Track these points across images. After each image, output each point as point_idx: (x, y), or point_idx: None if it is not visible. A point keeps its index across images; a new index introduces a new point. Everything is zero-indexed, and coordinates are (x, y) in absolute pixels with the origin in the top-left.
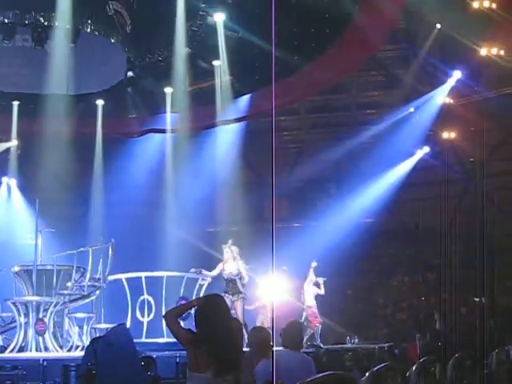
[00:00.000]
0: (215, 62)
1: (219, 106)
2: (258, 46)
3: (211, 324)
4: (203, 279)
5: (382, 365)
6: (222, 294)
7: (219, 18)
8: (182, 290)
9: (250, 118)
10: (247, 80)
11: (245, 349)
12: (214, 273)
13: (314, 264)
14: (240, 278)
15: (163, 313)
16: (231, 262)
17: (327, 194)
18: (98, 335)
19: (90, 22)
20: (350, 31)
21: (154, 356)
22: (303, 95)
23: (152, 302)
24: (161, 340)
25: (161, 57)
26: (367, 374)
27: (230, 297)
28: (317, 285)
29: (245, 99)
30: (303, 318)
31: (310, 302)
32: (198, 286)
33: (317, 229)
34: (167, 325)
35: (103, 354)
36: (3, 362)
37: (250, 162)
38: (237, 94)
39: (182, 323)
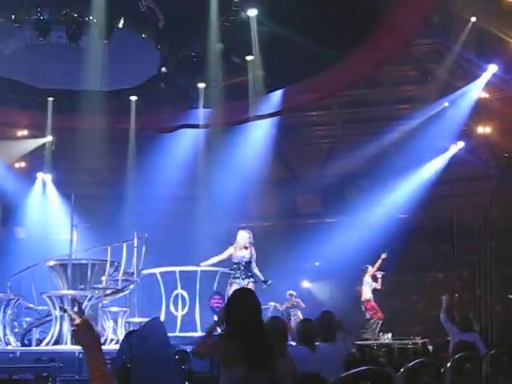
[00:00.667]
0: (248, 57)
1: (252, 101)
2: (291, 41)
3: (240, 319)
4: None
5: (417, 361)
6: (233, 281)
7: (252, 12)
8: (215, 285)
9: (282, 113)
10: (280, 75)
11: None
12: (222, 257)
13: (383, 255)
14: (250, 263)
15: (197, 307)
16: (243, 248)
17: (360, 190)
18: (131, 329)
19: (122, 18)
20: (383, 25)
21: (188, 350)
22: (336, 90)
23: (186, 297)
24: (194, 334)
25: (194, 52)
26: (402, 370)
27: (241, 281)
28: (374, 278)
29: (277, 94)
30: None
31: (368, 294)
32: (230, 281)
33: (350, 224)
34: (200, 356)
35: (138, 347)
36: (40, 354)
37: (282, 157)
38: (269, 89)
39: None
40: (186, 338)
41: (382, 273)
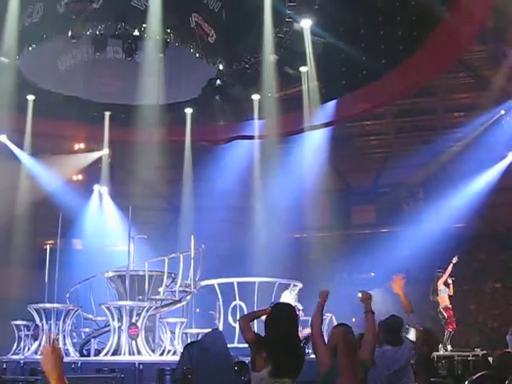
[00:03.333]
0: (302, 68)
1: (306, 112)
2: (344, 51)
3: (273, 329)
4: (294, 285)
5: (481, 373)
6: None
7: (306, 24)
8: (273, 295)
9: (336, 124)
10: (334, 85)
11: None
12: None
13: (454, 259)
14: None
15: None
16: None
17: (415, 199)
18: (189, 340)
19: (172, 33)
20: (437, 33)
21: (247, 361)
22: (390, 99)
23: (244, 308)
24: None
25: (248, 64)
26: (466, 382)
27: None
28: (446, 284)
29: (331, 104)
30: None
31: (446, 302)
32: (289, 291)
33: (405, 234)
34: (240, 328)
35: (199, 358)
36: (101, 364)
37: (336, 168)
38: (323, 100)
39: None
40: (245, 349)
41: (453, 278)
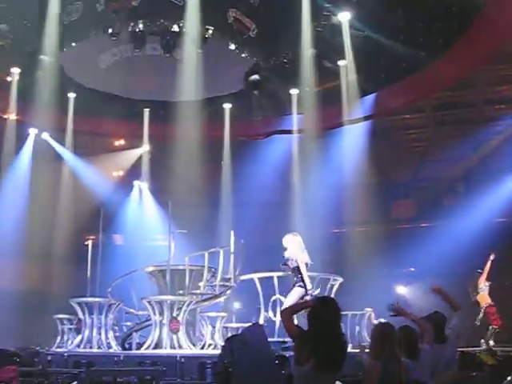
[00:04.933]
0: (340, 62)
1: (345, 106)
2: (383, 44)
3: (316, 322)
4: (335, 279)
5: None
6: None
7: (344, 17)
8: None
9: (375, 117)
10: (373, 79)
11: None
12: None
13: (492, 256)
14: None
15: None
16: (298, 250)
17: (456, 193)
18: (229, 334)
19: (211, 28)
20: (477, 24)
21: (287, 355)
22: (429, 92)
23: (284, 302)
24: None
25: (286, 59)
26: (508, 378)
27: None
28: (486, 283)
29: (370, 98)
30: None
31: (489, 299)
32: (329, 285)
33: (445, 229)
34: (282, 320)
35: (239, 352)
36: (143, 358)
37: (376, 162)
38: (362, 93)
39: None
40: (285, 344)
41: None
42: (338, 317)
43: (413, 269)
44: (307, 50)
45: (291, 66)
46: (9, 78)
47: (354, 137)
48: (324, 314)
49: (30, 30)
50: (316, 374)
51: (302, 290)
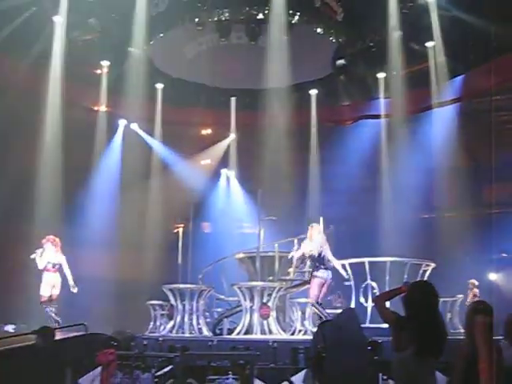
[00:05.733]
0: (428, 43)
1: (434, 88)
2: (473, 24)
3: (414, 308)
4: (427, 265)
5: None
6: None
7: None
8: (405, 276)
9: (464, 99)
10: (462, 59)
11: None
12: (297, 254)
13: None
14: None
15: None
16: (307, 242)
17: None
18: (318, 320)
19: (297, 14)
20: None
21: (380, 341)
22: None
23: (376, 287)
24: (385, 325)
25: (372, 42)
26: None
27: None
28: None
29: (459, 79)
30: None
31: None
32: (421, 271)
33: None
34: (376, 307)
35: (332, 337)
36: (235, 342)
37: (465, 145)
38: (451, 75)
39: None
40: (377, 329)
41: None
42: (436, 301)
43: (505, 254)
44: (394, 33)
45: (378, 50)
46: (98, 71)
47: (442, 120)
48: (422, 298)
49: (117, 23)
50: (416, 360)
51: (320, 280)
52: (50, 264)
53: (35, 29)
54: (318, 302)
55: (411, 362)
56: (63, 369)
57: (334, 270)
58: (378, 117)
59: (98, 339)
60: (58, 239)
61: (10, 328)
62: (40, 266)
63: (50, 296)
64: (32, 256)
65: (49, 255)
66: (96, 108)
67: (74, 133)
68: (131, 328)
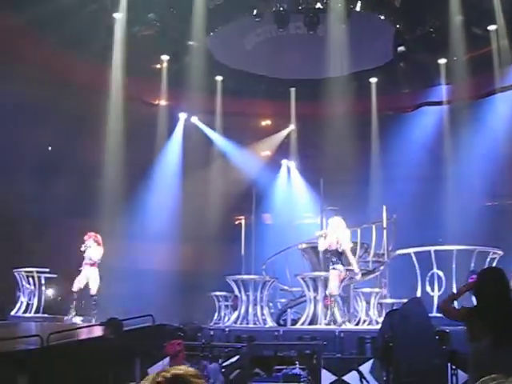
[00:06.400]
0: (490, 27)
1: (497, 73)
2: None
3: (487, 297)
4: (494, 253)
5: None
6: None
7: None
8: (472, 264)
9: None
10: None
11: None
12: (320, 248)
13: None
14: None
15: (454, 287)
16: (331, 234)
17: None
18: (384, 310)
19: (359, 1)
20: None
21: (447, 330)
22: None
23: (442, 276)
24: None
25: (432, 28)
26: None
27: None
28: None
29: None
30: None
31: None
32: (489, 259)
33: None
34: (443, 313)
35: (400, 326)
36: (301, 332)
37: None
38: None
39: None
40: (444, 319)
41: None
42: (508, 286)
43: None
44: (455, 17)
45: (438, 35)
46: (158, 66)
47: (507, 105)
48: (493, 286)
49: (176, 17)
50: (494, 349)
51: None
52: (90, 258)
53: (95, 26)
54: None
55: (488, 351)
56: (132, 359)
57: None
58: (439, 103)
59: (165, 330)
60: (99, 236)
61: (77, 320)
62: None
63: (84, 288)
64: (82, 249)
65: (91, 250)
66: (156, 102)
67: (135, 127)
68: (196, 319)
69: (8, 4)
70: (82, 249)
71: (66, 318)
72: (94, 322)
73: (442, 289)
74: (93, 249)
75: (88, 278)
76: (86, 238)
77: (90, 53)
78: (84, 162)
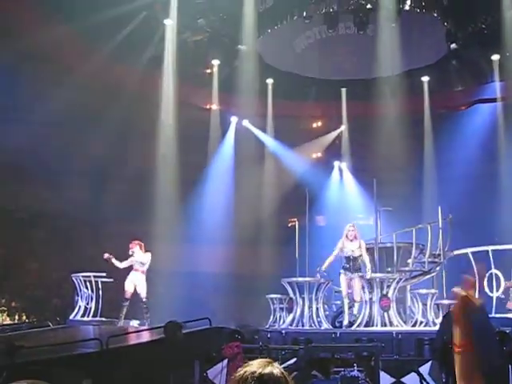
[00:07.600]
0: None
1: None
2: None
3: None
4: None
5: None
6: (342, 271)
7: None
8: None
9: None
10: None
11: None
12: (334, 253)
13: None
14: (360, 256)
15: None
16: (354, 240)
17: None
18: (441, 311)
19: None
20: None
21: (507, 331)
22: None
23: (500, 277)
24: None
25: (484, 24)
26: None
27: (350, 274)
28: None
29: None
30: None
31: None
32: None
33: None
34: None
35: None
36: (358, 334)
37: None
38: None
39: None
40: (504, 320)
41: None
42: None
43: None
44: (508, 12)
45: (490, 32)
46: (208, 70)
47: None
48: None
49: (226, 22)
50: None
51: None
52: (138, 264)
53: (146, 33)
54: None
55: None
56: (192, 361)
57: None
58: (493, 100)
59: (223, 333)
60: (142, 243)
61: (135, 323)
62: (125, 265)
63: (134, 293)
64: (130, 253)
65: (137, 257)
66: (208, 107)
67: (187, 132)
68: (251, 321)
69: (60, 16)
70: (131, 252)
71: (118, 322)
72: (148, 326)
73: (501, 289)
74: (139, 255)
75: (135, 283)
76: (131, 245)
77: (140, 60)
78: (136, 168)
